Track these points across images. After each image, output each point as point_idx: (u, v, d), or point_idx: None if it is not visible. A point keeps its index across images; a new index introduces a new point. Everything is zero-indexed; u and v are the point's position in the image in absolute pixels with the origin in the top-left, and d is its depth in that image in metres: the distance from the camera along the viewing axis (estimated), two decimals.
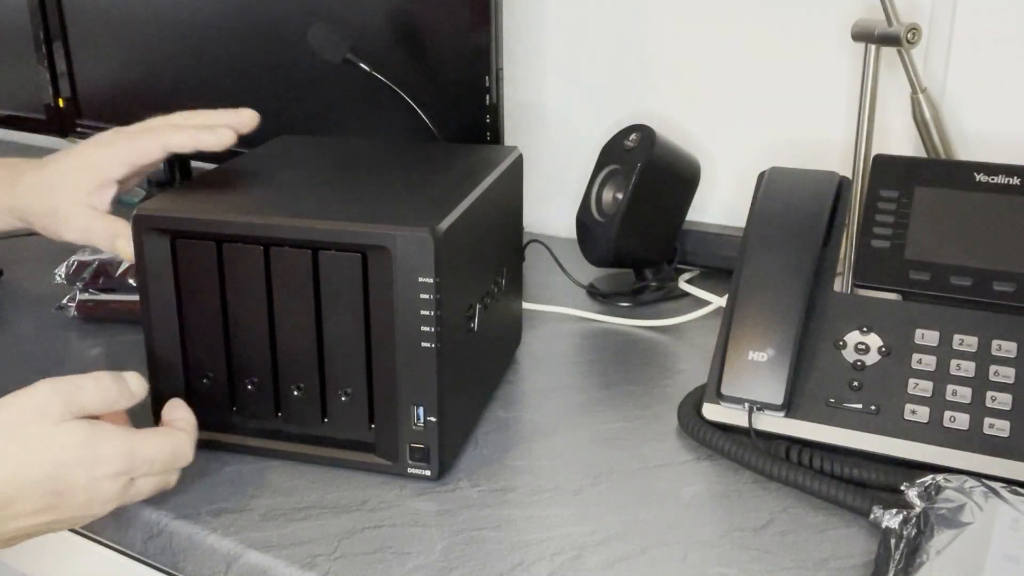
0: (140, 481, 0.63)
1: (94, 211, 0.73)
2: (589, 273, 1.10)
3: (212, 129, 0.76)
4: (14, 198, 0.77)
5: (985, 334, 0.71)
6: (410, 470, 0.70)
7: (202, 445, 0.74)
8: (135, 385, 0.64)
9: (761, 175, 0.82)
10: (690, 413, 0.77)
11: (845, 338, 0.74)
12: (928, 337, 0.72)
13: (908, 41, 0.91)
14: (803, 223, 0.77)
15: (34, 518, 0.59)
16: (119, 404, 0.63)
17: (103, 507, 0.61)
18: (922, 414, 0.70)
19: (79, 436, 0.59)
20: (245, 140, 1.15)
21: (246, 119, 0.78)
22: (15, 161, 0.80)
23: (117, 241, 0.76)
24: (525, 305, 0.99)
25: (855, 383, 0.72)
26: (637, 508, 0.68)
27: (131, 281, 0.95)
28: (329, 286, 0.68)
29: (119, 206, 1.40)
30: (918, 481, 0.61)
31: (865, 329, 0.74)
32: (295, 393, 0.71)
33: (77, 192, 0.74)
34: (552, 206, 1.26)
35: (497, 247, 0.80)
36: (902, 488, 0.62)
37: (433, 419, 0.68)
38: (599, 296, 1.06)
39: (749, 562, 0.62)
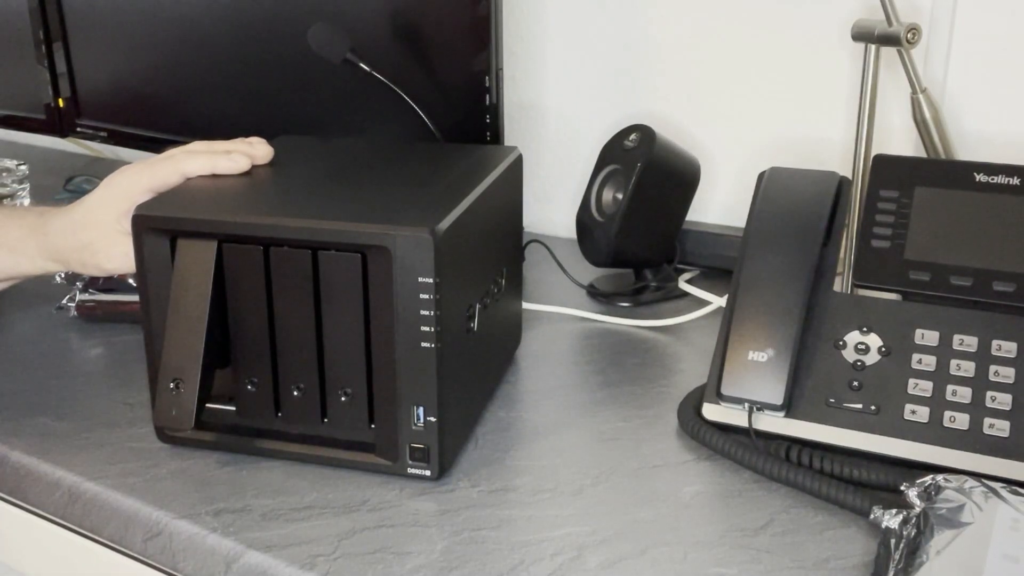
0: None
1: (128, 237, 0.75)
2: (589, 273, 1.10)
3: (228, 154, 0.78)
4: (47, 240, 0.80)
5: (985, 334, 0.71)
6: (410, 470, 0.70)
7: (202, 445, 0.75)
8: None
9: (761, 175, 0.82)
10: (690, 413, 0.77)
11: (845, 338, 0.74)
12: (928, 337, 0.72)
13: (908, 41, 0.91)
14: (803, 223, 0.77)
15: None
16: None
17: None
18: (922, 414, 0.69)
19: None
20: None
21: (262, 153, 0.80)
22: (42, 208, 0.83)
23: None
24: (525, 305, 0.99)
25: (855, 383, 0.72)
26: (637, 508, 0.68)
27: (131, 281, 0.95)
28: (329, 286, 0.68)
29: None
30: (918, 481, 0.61)
31: (865, 329, 0.74)
32: (295, 393, 0.71)
33: (107, 222, 0.77)
34: (552, 206, 1.26)
35: (497, 247, 0.80)
36: (902, 488, 0.62)
37: (433, 419, 0.68)
38: (599, 296, 1.06)
39: (749, 562, 0.62)
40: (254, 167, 0.79)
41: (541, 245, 1.15)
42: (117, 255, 0.77)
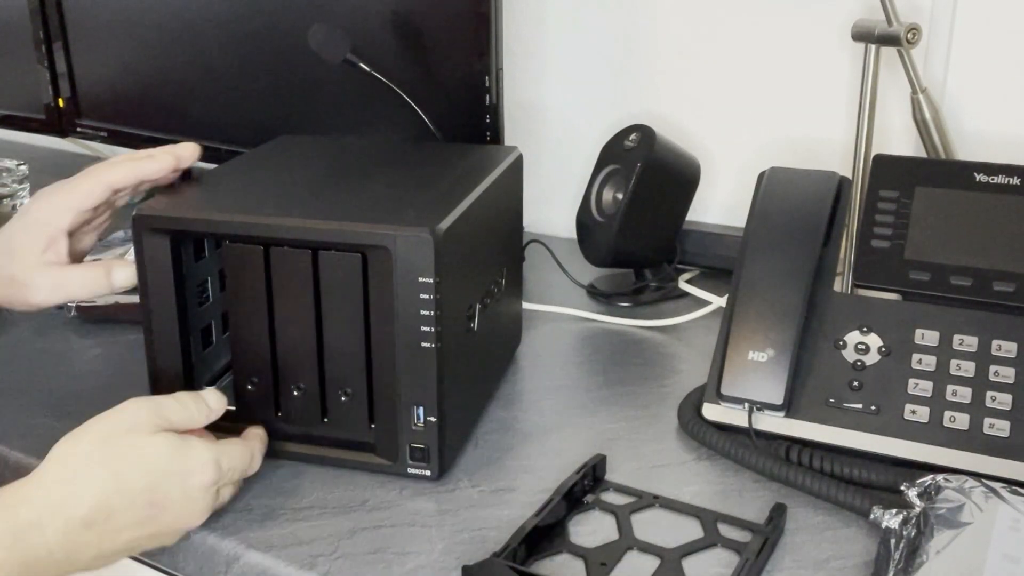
0: (223, 490, 0.66)
1: (56, 267, 0.72)
2: (589, 273, 1.10)
3: (151, 156, 0.76)
4: None
5: (985, 334, 0.71)
6: (410, 470, 0.70)
7: None
8: (213, 402, 0.67)
9: (761, 175, 0.82)
10: (690, 413, 0.77)
11: (845, 338, 0.74)
12: (928, 337, 0.72)
13: (908, 41, 0.91)
14: (803, 223, 0.77)
15: (136, 530, 0.61)
16: (198, 421, 0.66)
17: (199, 517, 0.63)
18: (922, 414, 0.70)
19: (170, 446, 0.61)
20: (245, 140, 1.15)
21: (188, 152, 0.77)
22: None
23: (114, 276, 0.74)
24: (525, 305, 0.99)
25: (855, 383, 0.72)
26: None
27: None
28: (329, 286, 0.68)
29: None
30: (918, 481, 0.61)
31: (865, 329, 0.74)
32: (295, 393, 0.71)
33: (29, 254, 0.72)
34: (552, 206, 1.26)
35: (497, 247, 0.80)
36: (902, 488, 0.62)
37: (433, 419, 0.68)
38: (599, 296, 1.06)
39: None
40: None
41: (541, 245, 1.15)
42: (45, 287, 0.72)
